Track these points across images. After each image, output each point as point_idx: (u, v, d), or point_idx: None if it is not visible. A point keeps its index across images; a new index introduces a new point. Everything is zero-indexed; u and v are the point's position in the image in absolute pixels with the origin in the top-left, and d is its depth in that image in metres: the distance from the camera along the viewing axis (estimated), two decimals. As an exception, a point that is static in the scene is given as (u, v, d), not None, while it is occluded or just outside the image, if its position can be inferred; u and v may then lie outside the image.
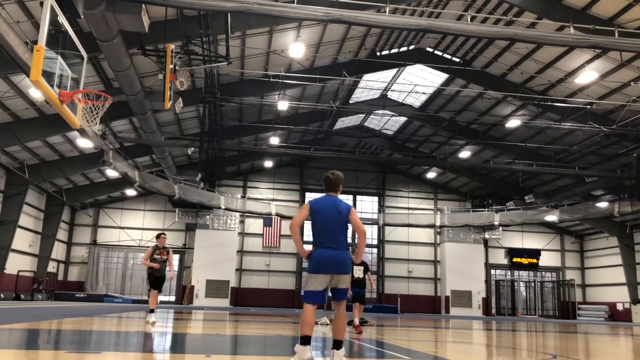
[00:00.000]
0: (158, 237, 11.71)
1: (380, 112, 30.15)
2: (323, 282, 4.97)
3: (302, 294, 5.15)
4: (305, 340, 4.77)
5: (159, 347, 6.98)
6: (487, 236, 37.97)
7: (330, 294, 5.18)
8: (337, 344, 4.87)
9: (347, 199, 39.54)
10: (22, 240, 27.86)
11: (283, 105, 24.57)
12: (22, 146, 23.58)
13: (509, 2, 18.69)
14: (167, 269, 11.49)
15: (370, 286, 12.46)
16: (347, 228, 5.21)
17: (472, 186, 38.46)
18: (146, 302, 33.96)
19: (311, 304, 4.94)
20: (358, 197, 39.66)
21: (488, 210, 34.62)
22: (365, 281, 12.06)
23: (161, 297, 36.17)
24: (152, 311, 11.25)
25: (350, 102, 30.02)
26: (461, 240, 37.17)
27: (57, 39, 8.96)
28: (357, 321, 10.94)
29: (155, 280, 11.43)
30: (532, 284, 40.07)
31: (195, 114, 26.69)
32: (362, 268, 11.64)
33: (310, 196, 39.43)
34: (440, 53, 25.32)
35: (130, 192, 34.37)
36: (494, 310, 38.53)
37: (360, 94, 29.68)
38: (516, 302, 39.48)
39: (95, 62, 18.87)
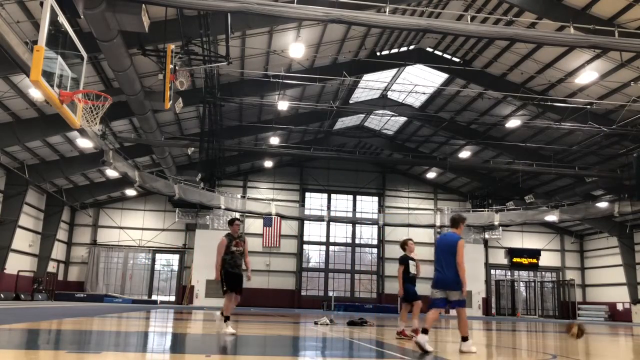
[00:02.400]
0: (231, 223, 9.25)
1: (380, 112, 30.15)
2: (438, 294, 6.87)
3: (430, 302, 7.03)
4: (425, 331, 6.68)
5: (159, 347, 6.98)
6: (487, 236, 37.97)
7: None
8: (463, 339, 6.78)
9: (347, 199, 39.60)
10: (22, 240, 27.85)
11: (283, 105, 24.57)
12: (22, 146, 23.57)
13: (509, 2, 18.69)
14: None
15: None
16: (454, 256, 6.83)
17: (472, 186, 38.46)
18: (146, 302, 33.98)
19: (434, 308, 6.89)
20: (358, 197, 39.67)
21: (488, 210, 34.62)
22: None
23: (162, 297, 36.35)
24: (227, 319, 8.87)
25: (350, 102, 30.02)
26: (461, 240, 37.14)
27: (57, 39, 8.95)
28: (416, 324, 9.19)
29: (236, 279, 8.87)
30: (532, 284, 40.07)
31: (195, 114, 26.69)
32: (414, 262, 9.80)
33: (310, 196, 39.46)
34: (440, 53, 25.31)
35: (130, 192, 34.37)
36: (494, 310, 38.53)
37: (360, 94, 29.68)
38: (516, 302, 39.48)
39: (95, 62, 18.87)
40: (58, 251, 33.28)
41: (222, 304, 9.08)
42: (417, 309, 9.16)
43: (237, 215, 35.45)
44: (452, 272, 6.78)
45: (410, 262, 9.44)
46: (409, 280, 9.32)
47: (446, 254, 6.90)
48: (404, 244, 9.66)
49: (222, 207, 31.82)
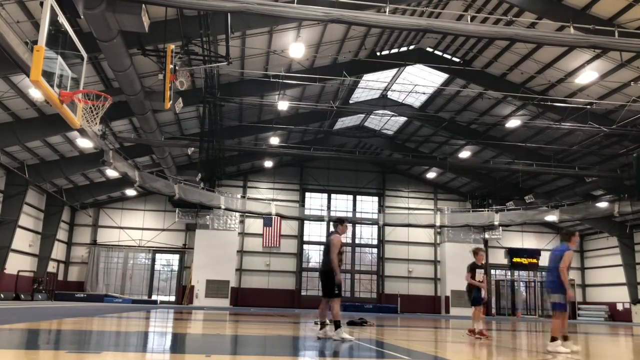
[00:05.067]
0: (342, 222, 8.49)
1: (380, 112, 30.16)
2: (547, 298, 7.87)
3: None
4: (564, 338, 7.52)
5: (159, 347, 6.98)
6: (487, 236, 37.97)
7: None
8: (552, 339, 7.43)
9: (347, 199, 39.61)
10: (22, 240, 27.85)
11: (283, 105, 24.58)
12: (22, 146, 23.58)
13: (509, 2, 18.69)
14: None
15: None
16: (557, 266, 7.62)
17: (472, 186, 38.46)
18: (146, 302, 34.00)
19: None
20: (358, 197, 39.66)
21: (488, 210, 34.62)
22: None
23: (162, 297, 36.37)
24: (338, 324, 8.14)
25: (350, 102, 30.02)
26: (461, 240, 37.18)
27: (57, 39, 8.95)
28: (481, 326, 10.14)
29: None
30: (532, 284, 40.06)
31: (195, 114, 26.69)
32: (482, 271, 10.17)
33: (310, 196, 39.40)
34: (440, 53, 25.31)
35: (130, 192, 34.37)
36: (494, 310, 38.53)
37: (360, 94, 29.68)
38: (516, 302, 39.48)
39: (95, 62, 18.87)
40: (58, 251, 33.28)
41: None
42: (477, 313, 10.16)
43: (237, 215, 35.52)
44: (554, 277, 7.62)
45: (478, 270, 10.09)
46: (476, 287, 10.03)
47: (551, 262, 7.75)
48: (475, 253, 10.19)
49: (222, 207, 31.81)
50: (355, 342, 8.00)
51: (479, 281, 10.06)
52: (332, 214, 37.91)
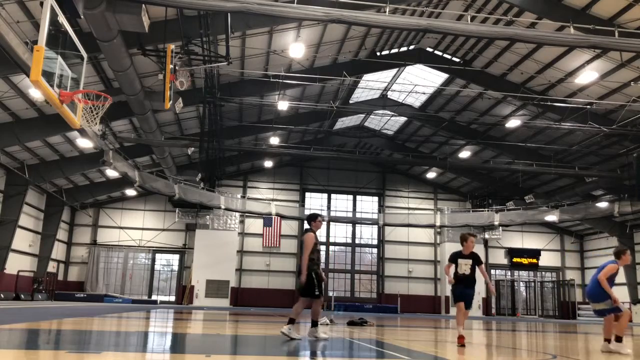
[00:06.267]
0: (315, 219, 8.10)
1: (380, 112, 30.17)
2: (593, 306, 8.03)
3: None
4: (618, 339, 7.61)
5: (159, 347, 6.98)
6: (487, 236, 37.96)
7: None
8: (618, 338, 7.58)
9: (347, 199, 39.61)
10: (22, 240, 27.86)
11: (283, 105, 24.58)
12: (22, 146, 23.58)
13: (509, 2, 18.70)
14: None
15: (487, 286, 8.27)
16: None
17: (472, 186, 38.47)
18: (146, 302, 34.00)
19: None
20: (358, 197, 39.67)
21: (488, 210, 34.62)
22: (475, 278, 7.90)
23: (162, 297, 36.38)
24: (316, 324, 8.12)
25: (350, 102, 30.03)
26: (461, 240, 37.14)
27: (57, 39, 8.96)
28: (460, 330, 7.69)
29: (322, 281, 8.03)
30: (532, 284, 40.06)
31: (195, 114, 26.70)
32: (469, 261, 7.81)
33: (310, 196, 39.38)
34: (440, 53, 25.32)
35: (130, 192, 34.38)
36: (494, 310, 38.54)
37: (360, 94, 29.69)
38: (516, 302, 39.48)
39: (95, 62, 18.88)
40: (58, 251, 33.28)
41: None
42: (458, 312, 7.89)
43: (237, 215, 35.53)
44: (595, 288, 7.82)
45: (460, 260, 7.83)
46: (457, 280, 7.83)
47: (595, 273, 7.86)
48: (463, 239, 7.94)
49: (222, 207, 31.82)
50: (327, 342, 7.73)
51: (464, 273, 7.76)
52: (332, 214, 37.95)
